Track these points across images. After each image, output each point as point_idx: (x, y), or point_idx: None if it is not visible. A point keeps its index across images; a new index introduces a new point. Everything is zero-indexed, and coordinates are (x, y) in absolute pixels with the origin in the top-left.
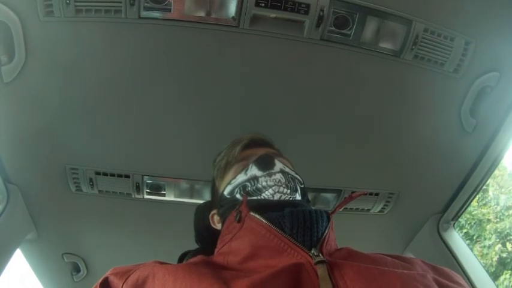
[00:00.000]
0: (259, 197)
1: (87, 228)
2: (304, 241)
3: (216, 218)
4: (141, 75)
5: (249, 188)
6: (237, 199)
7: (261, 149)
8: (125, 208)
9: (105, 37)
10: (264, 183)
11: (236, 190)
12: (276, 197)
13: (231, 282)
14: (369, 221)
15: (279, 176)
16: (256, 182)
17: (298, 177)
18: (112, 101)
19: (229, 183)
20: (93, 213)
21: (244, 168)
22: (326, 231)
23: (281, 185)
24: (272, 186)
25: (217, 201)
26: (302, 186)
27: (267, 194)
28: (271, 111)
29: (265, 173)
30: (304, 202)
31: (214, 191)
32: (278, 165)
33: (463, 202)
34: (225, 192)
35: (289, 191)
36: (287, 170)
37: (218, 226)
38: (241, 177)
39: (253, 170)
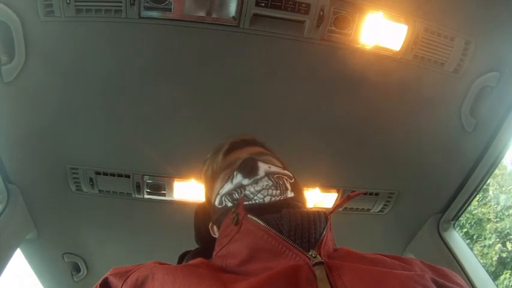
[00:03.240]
0: (250, 202)
1: (87, 228)
2: (302, 243)
3: (215, 228)
4: (141, 75)
5: (236, 196)
6: (228, 207)
7: (243, 151)
8: (125, 208)
9: (106, 37)
10: (252, 189)
11: (223, 199)
12: (267, 199)
13: (229, 284)
14: (369, 221)
15: (265, 181)
16: (243, 190)
17: (287, 172)
18: (112, 101)
19: (218, 193)
20: (94, 213)
21: (230, 176)
22: (324, 232)
23: (269, 188)
24: (260, 191)
25: (211, 212)
26: (292, 180)
27: (256, 200)
28: (271, 110)
29: (251, 181)
30: (299, 197)
31: (207, 201)
32: (262, 167)
33: (463, 202)
34: (216, 203)
35: (278, 191)
36: (273, 169)
37: (218, 234)
38: (227, 186)
39: (238, 178)
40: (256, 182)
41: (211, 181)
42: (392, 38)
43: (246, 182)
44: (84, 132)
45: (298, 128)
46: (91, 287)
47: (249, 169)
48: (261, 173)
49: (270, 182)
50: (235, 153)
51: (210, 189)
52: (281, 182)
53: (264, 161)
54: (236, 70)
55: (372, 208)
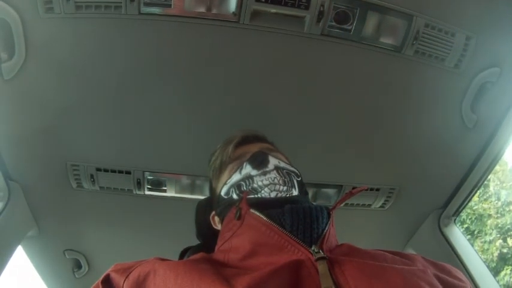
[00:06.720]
0: (256, 196)
1: (88, 225)
2: (304, 238)
3: (217, 219)
4: (141, 71)
5: (244, 188)
6: (233, 199)
7: (254, 146)
8: (126, 204)
9: (105, 33)
10: (260, 183)
11: (231, 190)
12: (273, 194)
13: (231, 279)
14: (369, 217)
15: (273, 174)
16: (251, 182)
17: (295, 169)
18: (113, 97)
19: (225, 183)
20: (95, 209)
21: (239, 167)
22: (326, 228)
23: (277, 183)
24: (268, 185)
25: (215, 202)
26: (299, 179)
27: (263, 194)
28: (272, 107)
29: (259, 172)
30: (303, 196)
31: (212, 192)
32: (272, 161)
33: (464, 197)
34: (222, 193)
35: (285, 187)
36: (282, 165)
37: (219, 226)
38: (236, 177)
39: (248, 169)
40: (264, 174)
41: (218, 172)
42: (392, 33)
43: (254, 172)
44: (85, 129)
45: (299, 124)
46: (92, 283)
47: (259, 161)
48: (271, 166)
49: (278, 176)
50: (245, 147)
51: (216, 180)
52: (288, 179)
53: (274, 156)
54: (236, 66)
55: (373, 204)
